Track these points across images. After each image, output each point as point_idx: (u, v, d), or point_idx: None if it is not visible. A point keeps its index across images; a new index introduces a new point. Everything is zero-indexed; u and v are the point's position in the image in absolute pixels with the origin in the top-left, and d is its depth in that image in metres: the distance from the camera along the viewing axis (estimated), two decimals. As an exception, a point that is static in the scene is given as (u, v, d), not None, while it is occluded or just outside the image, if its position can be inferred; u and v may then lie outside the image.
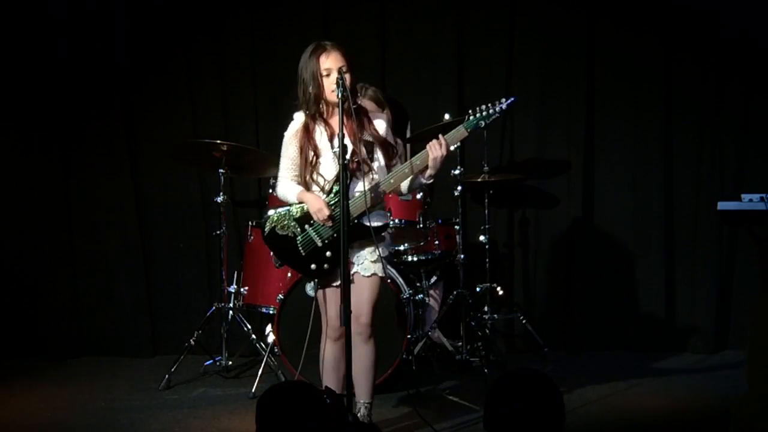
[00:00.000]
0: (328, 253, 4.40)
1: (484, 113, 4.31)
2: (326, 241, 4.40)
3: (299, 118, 4.48)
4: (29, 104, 6.47)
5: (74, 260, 6.54)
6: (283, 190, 4.50)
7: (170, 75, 6.53)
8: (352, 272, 4.34)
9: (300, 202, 4.44)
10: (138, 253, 6.51)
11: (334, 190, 4.36)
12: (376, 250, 4.35)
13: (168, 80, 6.53)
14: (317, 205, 4.35)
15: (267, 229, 4.50)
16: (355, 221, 4.30)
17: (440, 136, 4.31)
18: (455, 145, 4.51)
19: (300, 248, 4.44)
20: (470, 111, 4.36)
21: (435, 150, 4.27)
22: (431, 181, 4.42)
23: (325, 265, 4.41)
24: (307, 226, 4.43)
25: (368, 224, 4.26)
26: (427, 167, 4.32)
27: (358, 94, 4.50)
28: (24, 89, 6.46)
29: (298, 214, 4.45)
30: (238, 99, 6.53)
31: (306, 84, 4.39)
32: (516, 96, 4.42)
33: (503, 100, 4.34)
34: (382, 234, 4.42)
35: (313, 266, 4.43)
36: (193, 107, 6.51)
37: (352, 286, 4.25)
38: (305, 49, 4.47)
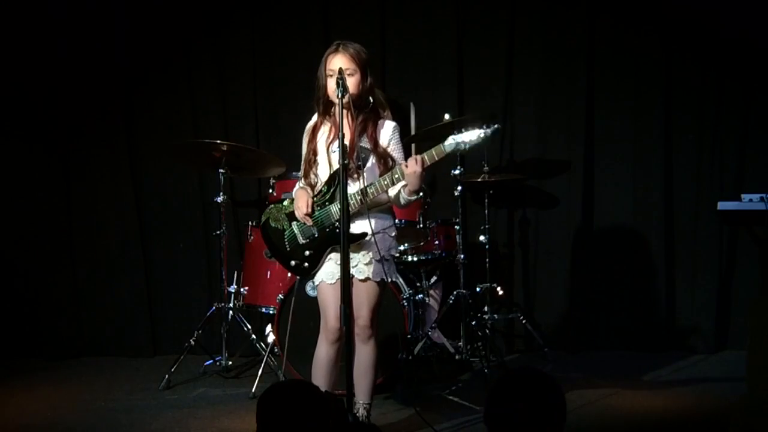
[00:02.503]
0: (307, 252, 4.44)
1: (465, 137, 4.23)
2: (307, 240, 4.44)
3: (315, 116, 4.51)
4: (29, 104, 6.48)
5: (74, 260, 6.54)
6: (296, 185, 4.57)
7: (170, 75, 6.53)
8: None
9: None
10: (138, 253, 6.51)
11: (322, 191, 4.39)
12: (378, 252, 4.34)
13: (168, 80, 6.54)
14: (299, 202, 4.40)
15: (263, 219, 4.60)
16: (337, 225, 4.27)
17: (414, 156, 4.26)
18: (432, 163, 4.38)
19: (286, 242, 4.50)
20: (454, 131, 4.28)
21: (409, 166, 4.23)
22: (415, 197, 4.35)
23: (305, 264, 4.45)
24: (294, 223, 4.47)
25: (351, 230, 4.24)
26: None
27: (371, 99, 4.44)
28: (24, 89, 6.47)
29: (289, 209, 4.49)
30: (238, 99, 6.54)
31: (318, 83, 4.41)
32: (498, 124, 4.33)
33: (489, 125, 4.24)
34: (377, 238, 4.34)
35: (293, 262, 4.48)
36: (193, 107, 6.51)
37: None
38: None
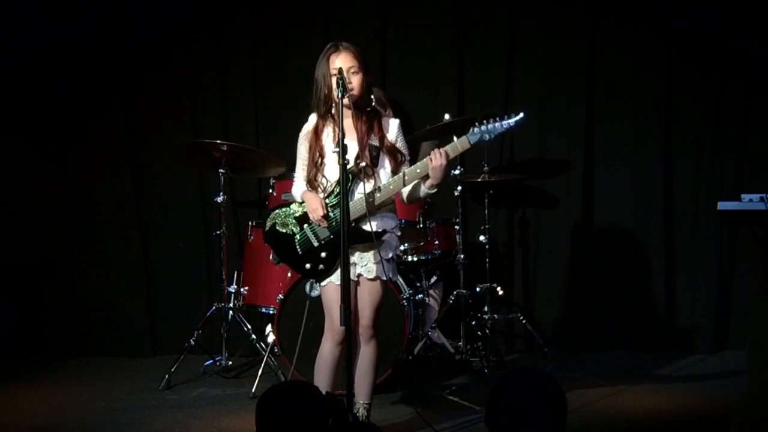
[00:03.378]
0: (323, 254, 4.41)
1: (491, 127, 4.28)
2: (322, 242, 4.41)
3: (312, 118, 4.48)
4: (29, 104, 6.47)
5: (74, 260, 6.54)
6: (293, 189, 4.56)
7: (170, 75, 6.53)
8: (356, 274, 4.35)
9: (302, 201, 4.46)
10: (138, 253, 6.51)
11: (334, 192, 4.37)
12: (378, 253, 4.34)
13: (168, 80, 6.53)
14: (314, 204, 4.37)
15: (268, 225, 4.53)
16: (353, 225, 4.28)
17: (438, 149, 4.28)
18: (456, 155, 4.44)
19: (297, 247, 4.46)
20: (476, 123, 4.33)
21: (435, 159, 4.25)
22: (434, 191, 4.38)
23: (320, 266, 4.42)
24: (305, 226, 4.44)
25: (366, 228, 4.27)
26: (428, 176, 4.32)
27: (372, 96, 4.46)
28: (24, 89, 6.46)
29: (299, 213, 4.47)
30: (238, 99, 6.54)
31: (317, 84, 4.39)
32: (524, 113, 4.37)
33: (512, 115, 4.30)
34: (384, 238, 4.37)
35: (307, 266, 4.45)
36: (193, 107, 6.51)
37: (355, 288, 4.29)
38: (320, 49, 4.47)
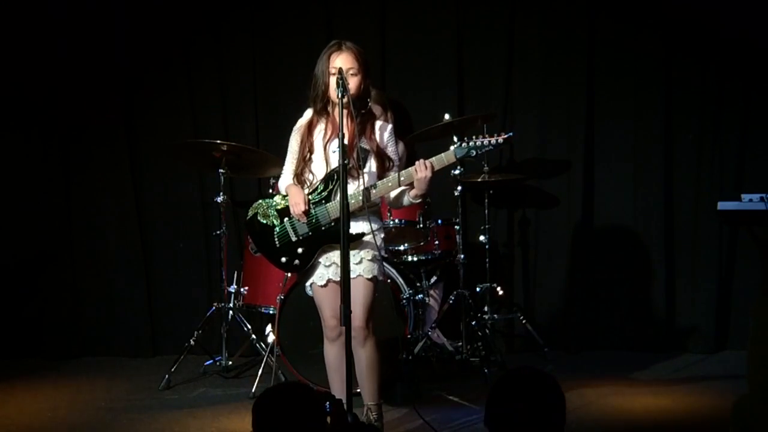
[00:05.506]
0: (299, 250, 4.43)
1: (478, 143, 4.29)
2: (300, 237, 4.43)
3: (308, 113, 4.50)
4: (29, 104, 6.48)
5: (74, 260, 6.54)
6: (280, 182, 4.57)
7: (170, 75, 6.53)
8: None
9: (286, 194, 4.47)
10: (138, 253, 6.51)
11: (318, 189, 4.38)
12: (360, 253, 4.34)
13: (168, 80, 6.54)
14: (296, 198, 4.39)
15: (250, 214, 4.56)
16: (332, 224, 4.31)
17: (423, 160, 4.27)
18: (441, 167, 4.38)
19: (275, 239, 4.48)
20: (465, 138, 4.34)
21: (420, 171, 4.26)
22: (419, 201, 4.39)
23: (296, 261, 4.44)
24: (285, 219, 4.46)
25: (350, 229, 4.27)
26: (413, 185, 4.32)
27: (368, 99, 4.46)
28: (24, 89, 6.46)
29: (281, 206, 4.49)
30: (238, 99, 6.54)
31: (316, 80, 4.40)
32: (513, 132, 4.40)
33: (501, 134, 4.31)
34: (365, 239, 4.36)
35: (283, 259, 4.47)
36: (193, 107, 6.51)
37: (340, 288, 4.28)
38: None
